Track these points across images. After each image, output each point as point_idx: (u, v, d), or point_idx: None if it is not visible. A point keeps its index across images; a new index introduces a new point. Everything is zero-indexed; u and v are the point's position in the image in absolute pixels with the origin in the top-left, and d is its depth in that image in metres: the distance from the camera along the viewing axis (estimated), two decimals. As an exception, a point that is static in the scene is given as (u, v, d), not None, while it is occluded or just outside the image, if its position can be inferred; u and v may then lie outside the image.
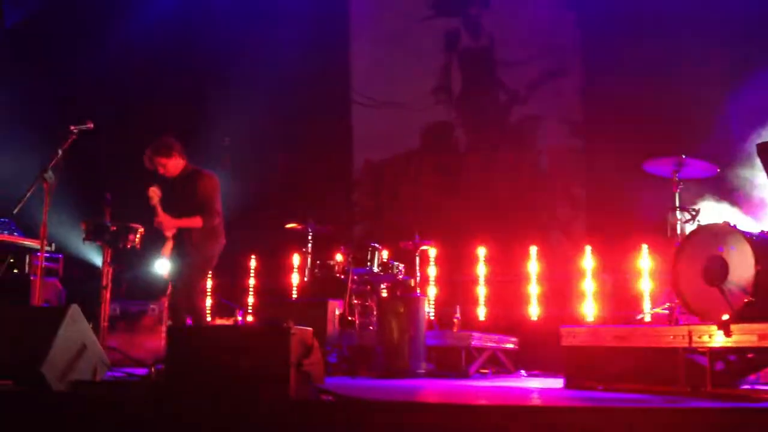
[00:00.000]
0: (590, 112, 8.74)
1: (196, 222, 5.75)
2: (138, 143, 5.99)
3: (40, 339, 4.73)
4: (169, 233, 5.77)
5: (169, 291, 5.95)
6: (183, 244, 5.78)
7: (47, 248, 6.03)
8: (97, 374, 4.85)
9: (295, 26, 9.45)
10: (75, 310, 4.87)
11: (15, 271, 7.34)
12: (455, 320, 7.62)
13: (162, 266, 8.36)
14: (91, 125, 5.67)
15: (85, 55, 9.51)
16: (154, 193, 5.69)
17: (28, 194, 5.49)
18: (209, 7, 9.88)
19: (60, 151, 5.53)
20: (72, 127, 5.61)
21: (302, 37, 9.40)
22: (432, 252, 8.55)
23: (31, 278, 7.13)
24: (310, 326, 4.44)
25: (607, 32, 8.35)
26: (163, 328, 7.93)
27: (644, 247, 7.49)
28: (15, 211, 5.47)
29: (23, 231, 6.65)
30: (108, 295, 6.18)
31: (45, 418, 4.11)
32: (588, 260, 7.80)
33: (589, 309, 7.71)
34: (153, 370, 4.88)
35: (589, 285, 7.75)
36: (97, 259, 8.85)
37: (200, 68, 9.78)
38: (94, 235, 6.32)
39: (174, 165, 5.90)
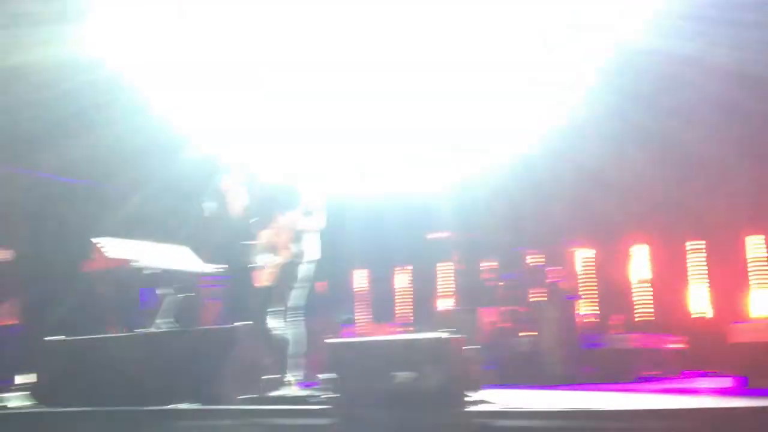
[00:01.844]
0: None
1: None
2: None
3: (215, 358, 5.02)
4: None
5: None
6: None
7: (215, 272, 6.39)
8: (267, 390, 5.09)
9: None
10: (243, 328, 5.15)
11: (185, 294, 7.82)
12: (614, 322, 7.37)
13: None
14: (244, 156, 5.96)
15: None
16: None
17: (195, 223, 5.86)
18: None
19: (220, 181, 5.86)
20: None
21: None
22: (584, 253, 8.31)
23: (201, 301, 7.58)
24: (462, 335, 4.45)
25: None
26: (321, 343, 8.19)
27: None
28: (185, 240, 5.86)
29: (192, 256, 7.08)
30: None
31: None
32: (755, 251, 7.31)
33: (761, 301, 7.21)
34: (320, 383, 5.03)
35: (757, 276, 7.27)
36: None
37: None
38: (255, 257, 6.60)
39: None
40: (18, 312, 8.16)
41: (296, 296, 5.69)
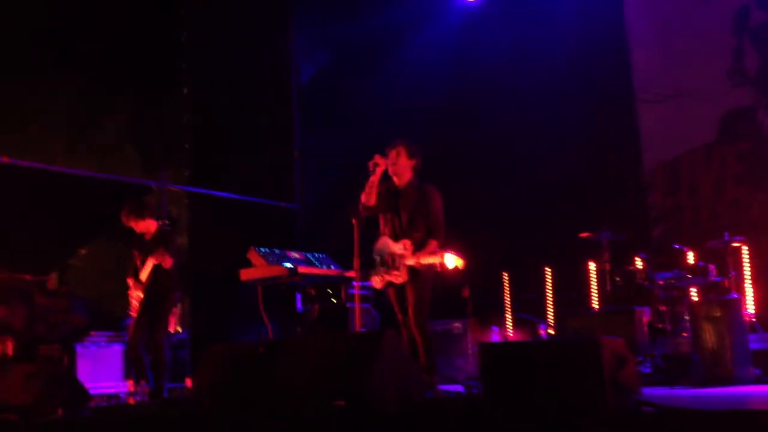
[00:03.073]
0: None
1: (433, 247, 5.64)
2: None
3: (364, 362, 5.13)
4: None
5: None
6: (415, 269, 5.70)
7: (362, 278, 6.53)
8: (417, 394, 5.15)
9: (567, 30, 9.34)
10: (391, 333, 5.23)
11: (334, 300, 8.09)
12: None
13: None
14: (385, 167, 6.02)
15: (368, 101, 10.31)
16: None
17: (339, 231, 6.03)
18: (481, 31, 10.14)
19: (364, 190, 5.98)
20: (371, 167, 6.03)
21: (576, 41, 9.26)
22: (744, 249, 7.83)
23: (348, 306, 7.80)
24: (617, 336, 4.32)
25: None
26: (468, 346, 8.21)
27: None
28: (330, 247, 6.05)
29: (338, 264, 7.29)
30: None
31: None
32: None
33: None
34: (468, 387, 5.05)
35: None
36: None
37: (473, 89, 10.07)
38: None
39: (406, 169, 5.91)
40: (187, 320, 8.74)
41: (426, 301, 5.74)
